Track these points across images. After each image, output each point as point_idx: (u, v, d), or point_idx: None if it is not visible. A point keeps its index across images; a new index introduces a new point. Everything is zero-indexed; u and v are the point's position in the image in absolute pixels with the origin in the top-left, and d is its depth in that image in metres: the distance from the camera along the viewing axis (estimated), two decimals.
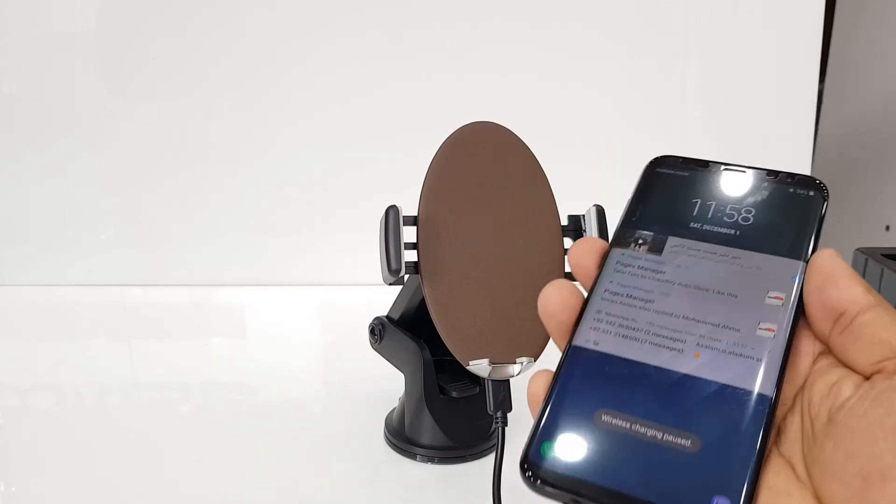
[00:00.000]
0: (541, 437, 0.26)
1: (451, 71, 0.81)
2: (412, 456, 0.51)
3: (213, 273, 0.85)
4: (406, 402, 0.51)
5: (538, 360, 0.39)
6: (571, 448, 0.25)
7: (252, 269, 0.86)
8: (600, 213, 0.41)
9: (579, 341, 0.28)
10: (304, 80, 0.82)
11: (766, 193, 0.30)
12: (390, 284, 0.39)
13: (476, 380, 0.49)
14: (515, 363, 0.39)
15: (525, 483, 0.25)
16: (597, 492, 0.24)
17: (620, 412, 0.25)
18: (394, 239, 0.38)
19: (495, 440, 0.40)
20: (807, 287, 0.26)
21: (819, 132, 1.00)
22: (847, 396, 0.23)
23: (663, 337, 0.27)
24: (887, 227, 1.27)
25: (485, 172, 0.43)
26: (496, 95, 0.81)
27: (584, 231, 0.41)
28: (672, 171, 0.31)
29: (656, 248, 0.30)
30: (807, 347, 0.26)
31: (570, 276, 0.40)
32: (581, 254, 0.29)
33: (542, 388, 0.26)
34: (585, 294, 0.29)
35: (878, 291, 0.71)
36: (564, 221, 0.45)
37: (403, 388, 0.51)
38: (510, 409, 0.40)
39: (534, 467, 0.25)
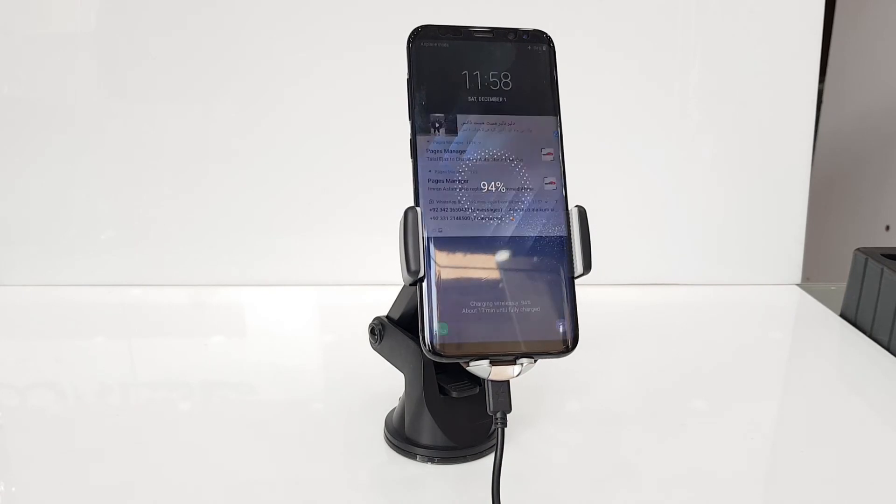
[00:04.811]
0: (435, 323, 0.36)
1: None
2: (412, 456, 0.51)
3: (213, 273, 0.85)
4: (406, 402, 0.51)
5: (538, 362, 0.40)
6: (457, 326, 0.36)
7: (252, 269, 0.86)
8: (582, 213, 0.41)
9: (431, 232, 0.37)
10: (304, 80, 0.82)
11: (513, 56, 0.40)
12: (410, 285, 0.40)
13: (476, 380, 0.50)
14: (516, 364, 0.39)
15: (433, 358, 0.36)
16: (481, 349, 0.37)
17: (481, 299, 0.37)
18: (413, 240, 0.38)
19: (495, 440, 0.40)
20: None
21: (819, 132, 1.00)
22: None
23: (485, 210, 0.38)
24: (887, 227, 1.27)
25: None
26: None
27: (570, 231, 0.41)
28: (435, 44, 0.39)
29: (452, 129, 0.38)
30: None
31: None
32: None
33: None
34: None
35: (878, 292, 0.71)
36: None
37: (403, 388, 0.51)
38: (510, 409, 0.40)
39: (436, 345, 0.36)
